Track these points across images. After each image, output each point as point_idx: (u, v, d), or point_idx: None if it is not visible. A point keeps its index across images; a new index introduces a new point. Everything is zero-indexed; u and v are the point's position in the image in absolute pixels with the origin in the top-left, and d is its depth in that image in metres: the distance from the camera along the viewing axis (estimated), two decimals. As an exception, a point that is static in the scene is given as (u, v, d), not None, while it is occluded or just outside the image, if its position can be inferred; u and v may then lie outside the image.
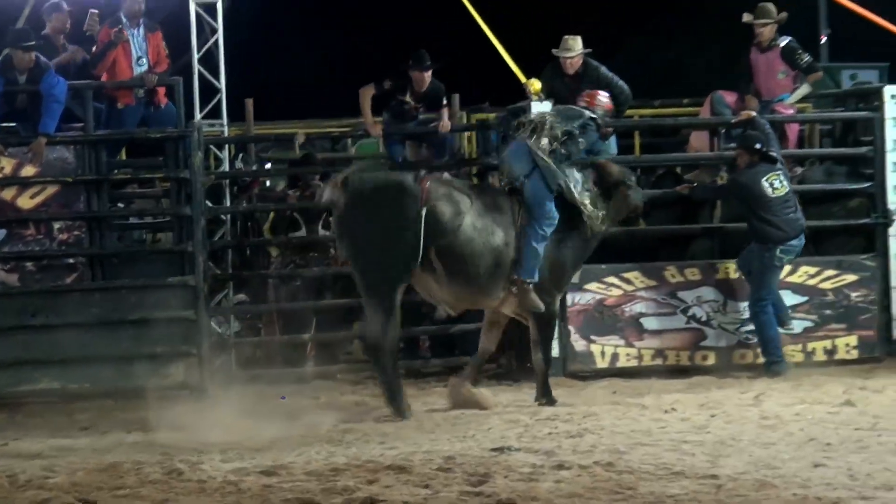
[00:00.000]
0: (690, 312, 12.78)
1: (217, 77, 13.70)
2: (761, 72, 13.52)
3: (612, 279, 12.67)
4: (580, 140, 11.29)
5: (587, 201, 11.25)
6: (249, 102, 14.83)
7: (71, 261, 12.95)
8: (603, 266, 12.56)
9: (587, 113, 11.49)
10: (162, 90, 13.42)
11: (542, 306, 11.20)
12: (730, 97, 13.55)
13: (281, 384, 12.30)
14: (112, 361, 12.36)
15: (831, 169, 13.51)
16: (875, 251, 12.90)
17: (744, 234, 12.49)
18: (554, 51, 13.14)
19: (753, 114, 12.74)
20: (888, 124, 12.85)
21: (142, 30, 13.36)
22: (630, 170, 12.01)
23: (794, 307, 12.64)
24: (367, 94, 13.16)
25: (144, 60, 13.35)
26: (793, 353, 12.63)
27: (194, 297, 12.65)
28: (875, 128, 12.92)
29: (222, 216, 13.41)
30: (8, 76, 12.75)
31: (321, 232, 13.62)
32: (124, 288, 12.69)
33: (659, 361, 12.73)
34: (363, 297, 11.19)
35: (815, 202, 13.17)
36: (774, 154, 12.34)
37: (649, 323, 12.71)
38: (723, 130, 13.31)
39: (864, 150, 13.11)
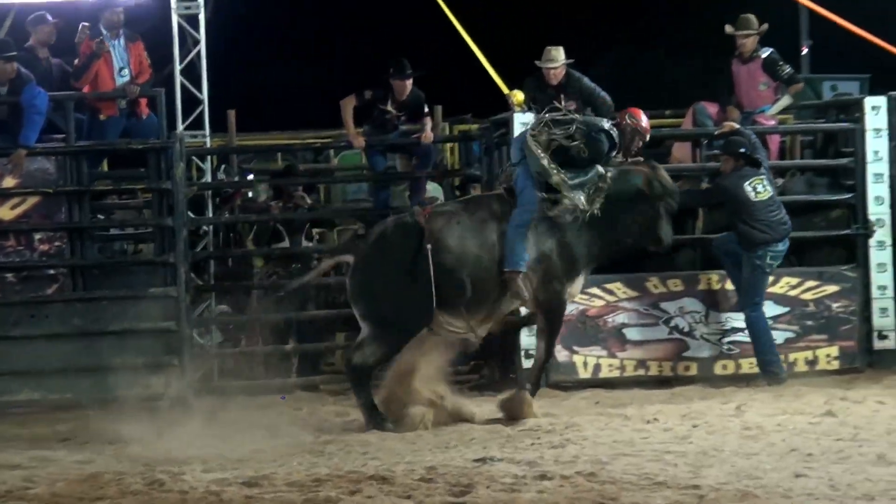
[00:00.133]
0: (673, 323, 12.79)
1: (199, 88, 13.70)
2: (743, 83, 13.55)
3: (594, 290, 12.67)
4: (580, 146, 11.13)
5: (574, 192, 11.10)
6: (232, 113, 14.84)
7: (52, 272, 12.94)
8: (586, 277, 12.56)
9: (603, 124, 11.32)
10: (144, 101, 13.41)
11: (526, 295, 11.13)
12: (712, 108, 13.58)
13: (263, 395, 12.29)
14: (93, 372, 12.33)
15: (812, 180, 13.53)
16: (856, 262, 12.91)
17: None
18: (537, 62, 13.17)
19: (735, 125, 12.77)
20: (869, 135, 12.86)
21: (122, 40, 13.36)
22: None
23: (776, 318, 12.65)
24: (348, 105, 13.17)
25: (126, 71, 13.35)
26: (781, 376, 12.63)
27: (176, 307, 12.64)
28: (856, 139, 12.94)
29: (204, 227, 13.39)
30: (-11, 87, 12.75)
31: (304, 243, 13.61)
32: (105, 299, 12.68)
33: (641, 372, 12.74)
34: (371, 332, 11.08)
35: (796, 213, 13.18)
36: (759, 158, 12.36)
37: (632, 333, 12.72)
38: (705, 141, 13.33)
39: (844, 161, 13.13)
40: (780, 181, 13.63)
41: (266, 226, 13.82)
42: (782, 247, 12.30)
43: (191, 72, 13.70)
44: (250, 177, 15.91)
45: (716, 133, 13.01)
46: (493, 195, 11.50)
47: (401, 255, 11.01)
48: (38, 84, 12.74)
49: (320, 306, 13.44)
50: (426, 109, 13.44)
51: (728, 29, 13.53)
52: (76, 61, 13.34)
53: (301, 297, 13.21)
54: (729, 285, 12.64)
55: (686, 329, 12.77)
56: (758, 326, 12.31)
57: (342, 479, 8.84)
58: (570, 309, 12.49)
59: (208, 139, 13.88)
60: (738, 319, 12.58)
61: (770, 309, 12.60)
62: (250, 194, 15.13)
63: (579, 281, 11.38)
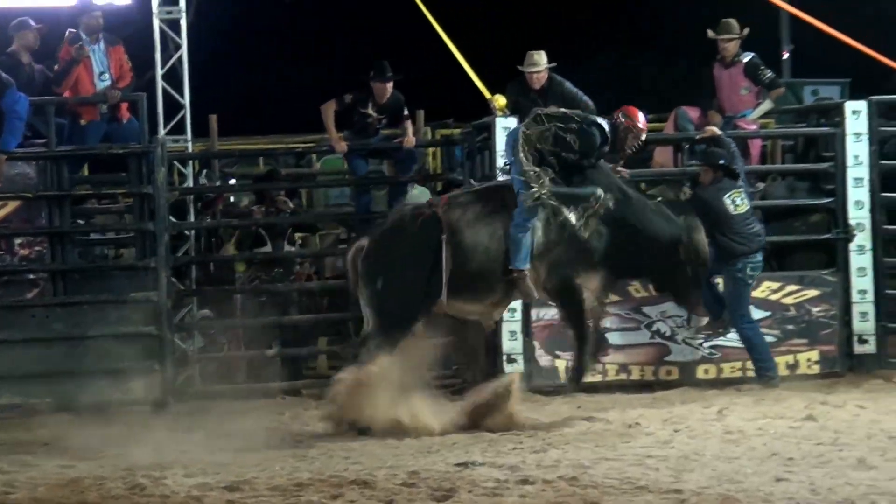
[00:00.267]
0: (654, 328, 12.80)
1: (181, 93, 13.69)
2: (724, 87, 13.58)
3: (576, 294, 12.66)
4: (572, 139, 11.02)
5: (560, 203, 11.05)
6: (213, 118, 14.86)
7: (32, 276, 12.91)
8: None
9: (596, 119, 11.26)
10: (125, 105, 13.39)
11: (535, 294, 11.14)
12: (693, 112, 13.60)
13: (245, 400, 12.28)
14: (74, 377, 12.31)
15: (793, 184, 13.56)
16: (836, 266, 12.94)
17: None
18: (519, 66, 13.18)
19: (717, 130, 12.79)
20: (849, 140, 12.87)
21: (103, 45, 13.34)
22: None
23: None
24: (329, 109, 13.18)
25: (107, 75, 13.32)
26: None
27: (157, 312, 12.62)
28: (836, 143, 12.96)
29: (186, 232, 13.38)
30: (-31, 92, 12.71)
31: (286, 247, 13.60)
32: (86, 303, 12.65)
33: (623, 376, 12.75)
34: (374, 322, 11.11)
35: (777, 217, 13.23)
36: (737, 169, 12.39)
37: (614, 338, 12.72)
38: (687, 146, 13.35)
39: (825, 165, 13.16)
40: (761, 185, 13.68)
41: (248, 230, 13.81)
42: (759, 258, 12.33)
43: (172, 76, 13.70)
44: (232, 181, 15.93)
45: (697, 137, 13.03)
46: (509, 185, 11.42)
47: (415, 242, 11.01)
48: (20, 89, 12.70)
49: (303, 311, 13.45)
50: (406, 112, 13.45)
51: (710, 33, 13.55)
52: (56, 67, 13.31)
53: (284, 301, 13.23)
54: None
55: (668, 333, 12.79)
56: (753, 339, 12.32)
57: (324, 483, 8.84)
58: (552, 313, 12.50)
59: (190, 144, 13.88)
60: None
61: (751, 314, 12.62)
62: (232, 199, 15.14)
63: (596, 276, 11.22)
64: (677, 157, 13.55)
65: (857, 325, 12.79)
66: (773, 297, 12.83)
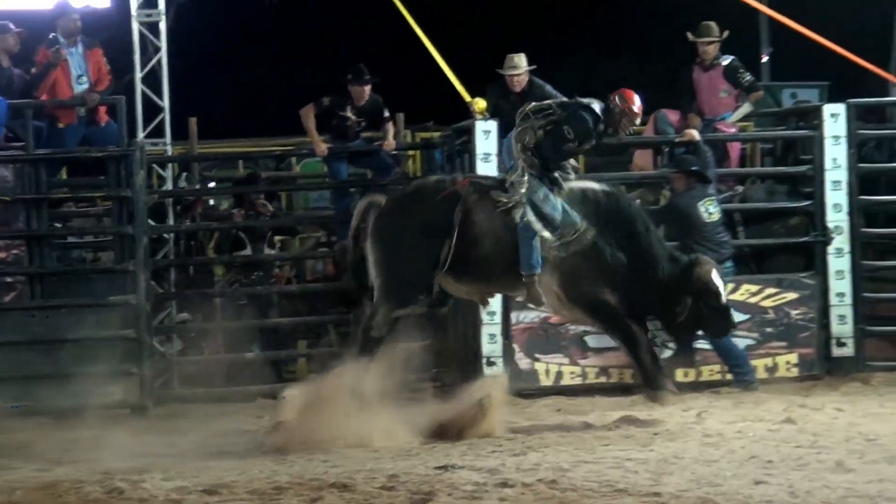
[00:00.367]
0: (634, 330, 12.78)
1: (160, 96, 13.67)
2: (704, 90, 13.60)
3: (556, 297, 12.67)
4: (565, 128, 10.93)
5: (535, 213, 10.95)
6: (193, 121, 14.82)
7: (10, 279, 12.87)
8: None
9: (584, 101, 11.11)
10: (103, 108, 13.36)
11: (543, 300, 11.05)
12: (673, 116, 13.62)
13: (224, 403, 12.26)
14: (52, 380, 12.27)
15: (772, 187, 13.58)
16: (815, 269, 12.96)
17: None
18: (499, 70, 13.19)
19: (696, 134, 12.77)
20: (827, 143, 12.88)
21: (81, 48, 13.31)
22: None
23: (736, 325, 12.66)
24: (308, 114, 13.19)
25: (85, 78, 13.30)
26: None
27: (136, 316, 12.60)
28: (815, 146, 12.98)
29: (165, 235, 13.35)
30: (-53, 96, 12.69)
31: (266, 251, 13.58)
32: (64, 307, 12.62)
33: (603, 379, 12.76)
34: (379, 288, 10.99)
35: (756, 220, 13.25)
36: (710, 176, 12.39)
37: (593, 341, 12.73)
38: (666, 149, 13.37)
39: (803, 168, 13.18)
40: (740, 188, 13.70)
41: (228, 234, 13.79)
42: (728, 266, 12.32)
43: (152, 79, 13.67)
44: (212, 184, 15.89)
45: (676, 140, 13.05)
46: None
47: (432, 212, 10.94)
48: (-1, 93, 12.70)
49: (283, 314, 13.43)
50: (386, 115, 13.46)
51: (690, 36, 13.57)
52: (33, 70, 13.28)
53: (263, 304, 13.22)
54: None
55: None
56: (725, 344, 12.32)
57: (303, 486, 8.83)
58: (532, 316, 12.52)
59: (169, 147, 13.85)
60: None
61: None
62: (212, 202, 15.12)
63: (618, 295, 11.01)
64: (657, 160, 13.57)
65: (836, 327, 12.81)
66: (752, 299, 12.84)
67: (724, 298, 11.02)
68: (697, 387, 12.58)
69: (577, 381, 12.70)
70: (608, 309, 11.03)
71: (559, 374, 12.74)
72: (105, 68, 13.40)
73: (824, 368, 12.79)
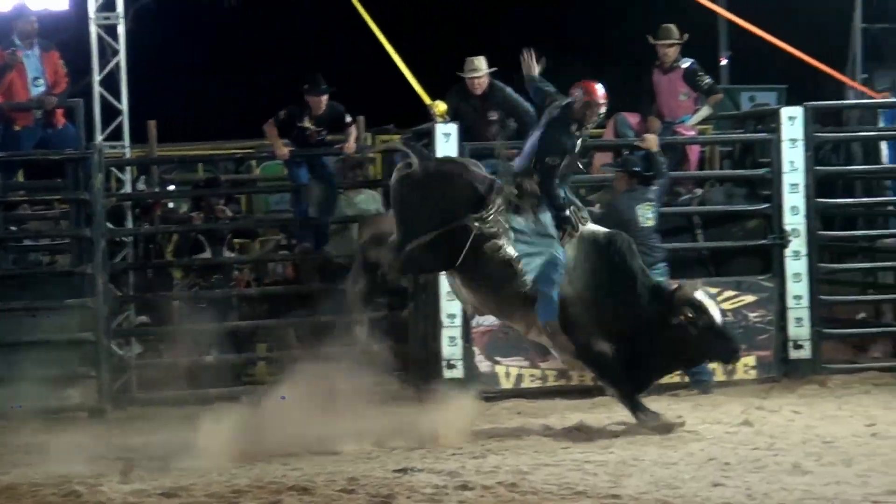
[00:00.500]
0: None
1: (119, 99, 13.61)
2: (663, 93, 13.64)
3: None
4: (547, 160, 10.75)
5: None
6: (152, 124, 14.77)
7: (-33, 283, 12.80)
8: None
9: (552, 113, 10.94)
10: (60, 111, 13.29)
11: (553, 352, 10.96)
12: (633, 118, 13.65)
13: (183, 406, 12.22)
14: (9, 383, 12.20)
15: (731, 190, 13.63)
16: (772, 272, 13.00)
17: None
18: (460, 73, 13.20)
19: (655, 143, 12.65)
20: (785, 145, 12.90)
21: (37, 50, 13.24)
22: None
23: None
24: (270, 129, 13.26)
25: (41, 81, 13.23)
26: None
27: (94, 318, 12.55)
28: (772, 149, 13.02)
29: (124, 238, 13.30)
30: None
31: (226, 254, 13.55)
32: (22, 310, 12.56)
33: (563, 382, 12.75)
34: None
35: (715, 223, 13.29)
36: (658, 176, 12.37)
37: (554, 344, 12.72)
38: (626, 152, 13.40)
39: (761, 171, 13.22)
40: (699, 191, 13.75)
41: (187, 237, 13.75)
42: (659, 268, 12.29)
43: (110, 82, 13.61)
44: (171, 187, 15.85)
45: (635, 143, 13.08)
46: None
47: (449, 208, 10.65)
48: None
49: (242, 317, 13.39)
50: (349, 119, 13.45)
51: (650, 39, 13.62)
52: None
53: (223, 307, 13.18)
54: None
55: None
56: None
57: (262, 490, 8.82)
58: (492, 319, 12.50)
59: (128, 150, 13.79)
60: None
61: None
62: (171, 205, 15.07)
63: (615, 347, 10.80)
64: (616, 162, 13.58)
65: (793, 330, 12.83)
66: (711, 302, 12.86)
67: (715, 317, 10.70)
68: (658, 389, 12.59)
69: (537, 383, 12.71)
70: (601, 358, 10.82)
71: (519, 377, 12.74)
72: (62, 71, 13.34)
73: (782, 371, 12.82)
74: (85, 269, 12.65)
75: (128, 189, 13.87)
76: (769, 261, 13.00)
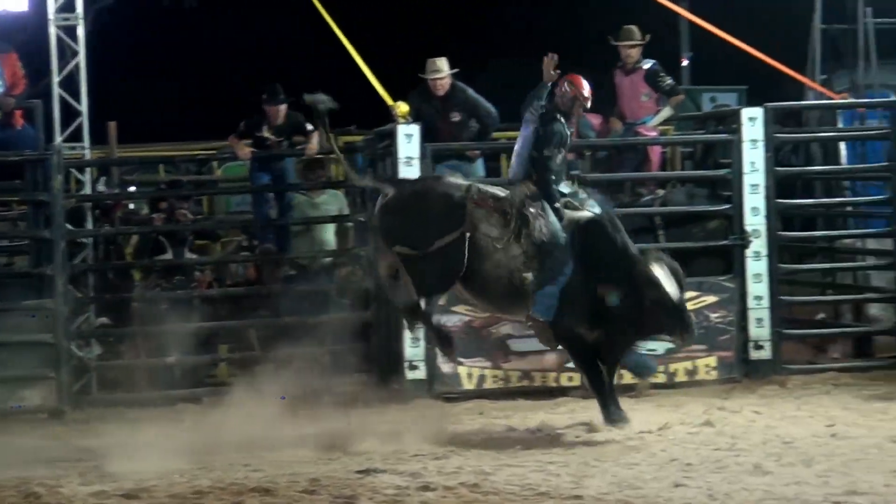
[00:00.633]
0: (558, 334, 12.80)
1: (78, 100, 13.54)
2: (625, 94, 13.67)
3: (478, 301, 12.67)
4: (544, 151, 10.81)
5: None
6: (112, 125, 14.70)
7: (-75, 284, 12.72)
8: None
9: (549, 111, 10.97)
10: (19, 112, 13.22)
11: (552, 346, 10.98)
12: (594, 119, 13.67)
13: (143, 408, 12.18)
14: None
15: (692, 191, 13.65)
16: (733, 272, 13.03)
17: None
18: (421, 74, 13.19)
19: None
20: (745, 146, 12.93)
21: (-5, 51, 13.18)
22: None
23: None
24: (233, 141, 13.31)
25: (0, 82, 13.15)
26: (655, 374, 12.71)
27: (53, 320, 12.49)
28: (733, 150, 13.05)
29: (84, 239, 13.23)
30: None
31: (187, 255, 13.50)
32: (-22, 312, 12.51)
33: (525, 383, 12.76)
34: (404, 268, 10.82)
35: (676, 224, 13.31)
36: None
37: (516, 345, 12.74)
38: (588, 153, 13.42)
39: (722, 172, 13.26)
40: (661, 192, 13.78)
41: (148, 238, 13.70)
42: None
43: (70, 83, 13.54)
44: (132, 188, 15.78)
45: (599, 145, 13.10)
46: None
47: (433, 224, 10.72)
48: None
49: (204, 318, 13.34)
50: (310, 128, 13.46)
51: (612, 40, 13.64)
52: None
53: (184, 308, 13.13)
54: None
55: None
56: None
57: (224, 491, 8.80)
58: (455, 320, 12.51)
59: (88, 151, 13.73)
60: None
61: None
62: (132, 206, 15.01)
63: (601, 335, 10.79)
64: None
65: (753, 331, 12.85)
66: (673, 303, 12.87)
67: (668, 291, 10.59)
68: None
69: (500, 384, 12.71)
70: (580, 346, 10.86)
71: (482, 378, 12.74)
72: (20, 72, 13.27)
73: (743, 371, 12.85)
74: (44, 271, 12.60)
75: (88, 190, 13.81)
76: (730, 261, 13.04)
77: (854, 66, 16.08)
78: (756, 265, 12.90)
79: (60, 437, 11.01)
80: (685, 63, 20.11)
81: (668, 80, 13.77)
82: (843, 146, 14.84)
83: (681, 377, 12.79)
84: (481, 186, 10.97)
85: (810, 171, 14.39)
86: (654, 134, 13.74)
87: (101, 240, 13.54)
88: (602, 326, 10.72)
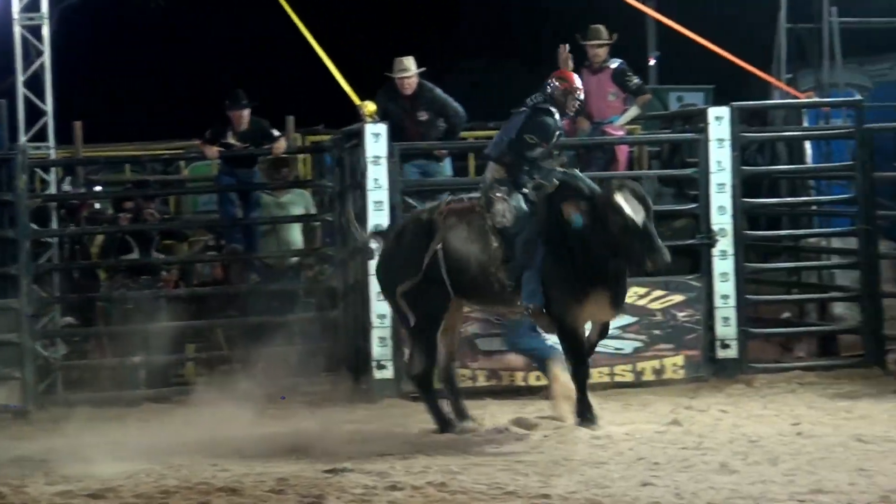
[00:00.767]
0: (524, 333, 12.80)
1: (43, 100, 13.48)
2: (592, 93, 13.65)
3: (445, 301, 12.65)
4: (526, 136, 10.84)
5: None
6: (78, 125, 14.65)
7: None
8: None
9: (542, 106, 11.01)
10: (-19, 113, 13.19)
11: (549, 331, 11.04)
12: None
13: (109, 407, 12.14)
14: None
15: (659, 190, 13.70)
16: (700, 271, 13.06)
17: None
18: (388, 73, 13.18)
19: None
20: (712, 145, 12.95)
21: (-42, 52, 13.12)
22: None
23: (625, 327, 12.74)
24: (206, 149, 13.33)
25: (-37, 83, 13.13)
26: (623, 372, 12.74)
27: (18, 320, 12.44)
28: (700, 149, 13.08)
29: (49, 239, 13.18)
30: None
31: (154, 254, 13.46)
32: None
33: (493, 382, 12.76)
34: (408, 335, 11.20)
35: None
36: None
37: (484, 344, 12.74)
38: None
39: (689, 171, 13.29)
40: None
41: (114, 237, 13.65)
42: None
43: (35, 83, 13.48)
44: (98, 188, 15.72)
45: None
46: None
47: (414, 251, 10.89)
48: None
49: (170, 318, 13.30)
50: (276, 134, 13.46)
51: (579, 39, 13.65)
52: None
53: (150, 308, 13.10)
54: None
55: (538, 339, 12.79)
56: (529, 344, 12.19)
57: (191, 490, 8.77)
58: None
59: (53, 151, 13.68)
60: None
61: (619, 319, 12.65)
62: (98, 206, 14.95)
63: (594, 300, 10.77)
64: (545, 163, 13.60)
65: (720, 330, 12.86)
66: (640, 302, 12.90)
67: (633, 216, 10.48)
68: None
69: (468, 383, 12.68)
70: (571, 324, 10.85)
71: (449, 377, 12.71)
72: (-15, 73, 13.24)
73: (710, 370, 12.87)
74: (9, 271, 12.56)
75: (53, 190, 13.75)
76: (697, 260, 13.06)
77: (819, 65, 16.14)
78: (723, 264, 12.92)
79: (25, 437, 10.94)
80: (652, 62, 20.15)
81: (635, 80, 13.80)
82: (808, 145, 14.90)
83: (648, 376, 12.81)
84: (455, 196, 11.10)
85: (776, 170, 14.44)
86: (621, 133, 13.77)
87: (66, 239, 13.51)
88: (591, 290, 10.74)
